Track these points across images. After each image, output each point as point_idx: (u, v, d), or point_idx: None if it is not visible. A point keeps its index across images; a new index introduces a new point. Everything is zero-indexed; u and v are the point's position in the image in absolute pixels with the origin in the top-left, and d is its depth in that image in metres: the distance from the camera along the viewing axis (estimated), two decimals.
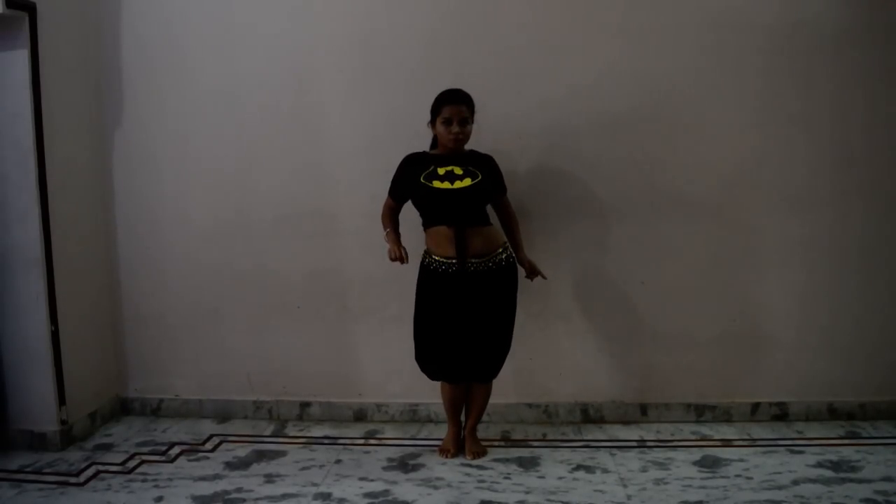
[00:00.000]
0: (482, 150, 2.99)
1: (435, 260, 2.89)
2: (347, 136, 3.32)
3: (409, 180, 2.91)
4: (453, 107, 2.83)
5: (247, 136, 3.37)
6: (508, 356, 3.04)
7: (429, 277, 2.93)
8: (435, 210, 2.88)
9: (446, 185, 2.84)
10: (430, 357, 2.98)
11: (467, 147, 2.97)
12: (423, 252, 2.96)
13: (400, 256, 2.86)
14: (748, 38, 3.16)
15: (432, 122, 2.90)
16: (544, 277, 3.06)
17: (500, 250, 2.91)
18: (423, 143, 3.03)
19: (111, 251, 3.52)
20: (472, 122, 2.90)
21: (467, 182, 2.85)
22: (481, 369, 2.98)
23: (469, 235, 2.84)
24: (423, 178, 2.87)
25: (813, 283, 3.28)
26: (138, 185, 3.46)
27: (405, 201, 2.99)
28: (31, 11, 2.96)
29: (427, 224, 2.93)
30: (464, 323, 2.88)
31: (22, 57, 2.97)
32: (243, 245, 3.43)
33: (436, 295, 2.91)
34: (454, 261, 2.85)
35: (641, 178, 3.25)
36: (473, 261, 2.84)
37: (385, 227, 2.98)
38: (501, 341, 2.97)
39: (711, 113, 3.21)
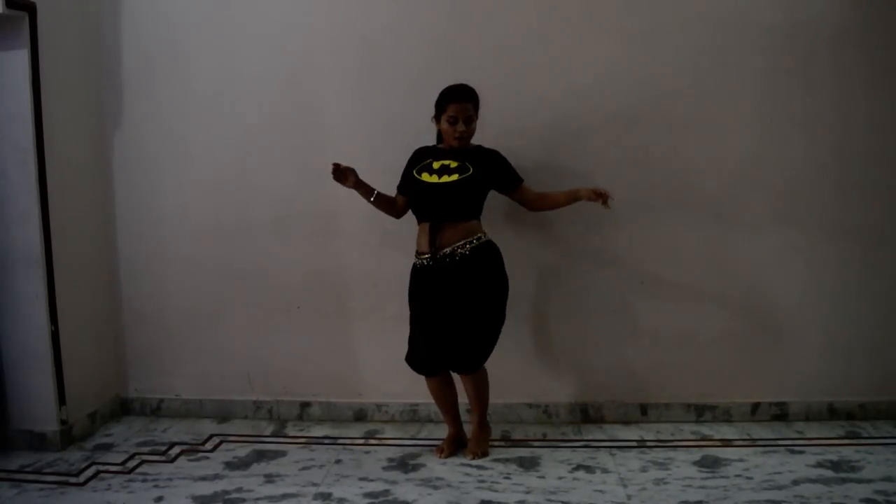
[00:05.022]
0: (486, 147, 2.99)
1: (417, 257, 2.93)
2: (347, 136, 3.32)
3: (408, 172, 2.95)
4: (459, 105, 2.83)
5: (247, 136, 3.37)
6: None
7: (412, 274, 2.97)
8: (419, 203, 2.91)
9: (433, 178, 2.85)
10: (410, 349, 3.01)
11: (475, 142, 2.97)
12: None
13: (342, 169, 2.88)
14: (748, 38, 3.16)
15: (437, 118, 2.90)
16: (605, 198, 2.86)
17: (472, 238, 2.87)
18: (423, 142, 3.04)
19: (111, 251, 3.52)
20: (477, 118, 2.90)
21: (454, 177, 2.85)
22: (458, 359, 2.95)
23: (443, 229, 2.84)
24: (416, 171, 2.90)
25: (813, 282, 3.28)
26: (138, 185, 3.46)
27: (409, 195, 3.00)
28: (31, 11, 2.96)
29: (417, 219, 2.95)
30: (437, 316, 2.89)
31: (22, 57, 2.97)
32: (243, 245, 3.43)
33: (414, 291, 2.96)
34: (426, 256, 2.86)
35: (641, 178, 3.25)
36: (444, 251, 2.84)
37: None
38: (479, 331, 2.91)
39: (711, 113, 3.21)
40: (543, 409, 3.41)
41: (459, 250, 2.85)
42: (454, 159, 2.89)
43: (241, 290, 3.46)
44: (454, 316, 2.88)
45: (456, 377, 3.06)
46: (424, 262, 2.88)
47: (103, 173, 3.46)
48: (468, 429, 3.12)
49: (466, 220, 2.89)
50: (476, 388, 3.02)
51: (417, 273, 2.93)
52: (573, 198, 2.94)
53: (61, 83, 3.17)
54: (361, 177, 2.96)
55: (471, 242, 2.86)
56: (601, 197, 2.86)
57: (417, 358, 2.99)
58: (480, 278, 2.89)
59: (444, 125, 2.87)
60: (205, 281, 3.48)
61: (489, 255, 2.92)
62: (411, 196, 2.94)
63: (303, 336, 3.45)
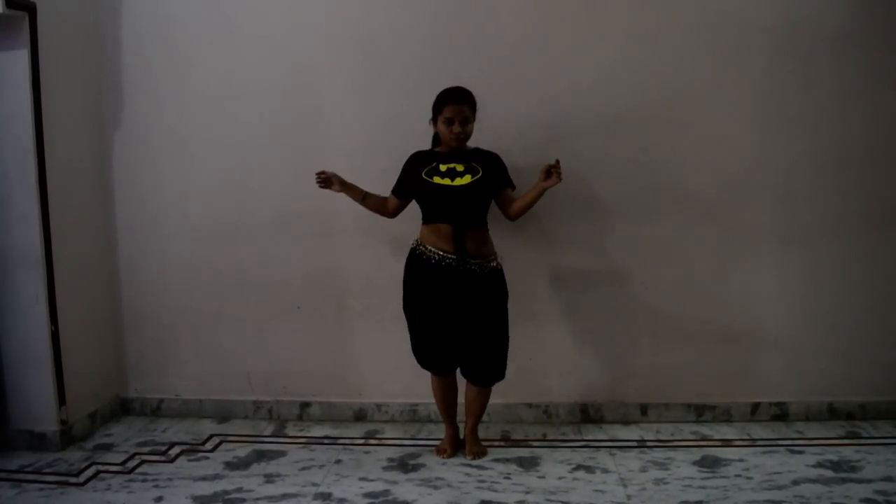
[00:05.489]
0: (484, 149, 2.99)
1: (428, 249, 2.89)
2: (347, 136, 3.32)
3: (413, 176, 2.93)
4: (455, 106, 2.84)
5: (247, 136, 3.37)
6: (508, 355, 3.04)
7: (418, 265, 2.93)
8: (434, 206, 2.89)
9: (446, 181, 2.85)
10: (420, 345, 3.00)
11: (472, 145, 2.98)
12: (413, 241, 2.96)
13: (325, 177, 2.97)
14: (748, 38, 3.16)
15: (434, 121, 2.91)
16: (556, 169, 2.82)
17: (491, 258, 2.92)
18: (422, 143, 3.03)
19: (111, 251, 3.52)
20: (474, 120, 2.91)
21: (467, 179, 2.86)
22: (478, 373, 2.98)
23: (468, 237, 2.85)
24: (425, 174, 2.89)
25: (813, 283, 3.28)
26: (138, 185, 3.46)
27: (408, 199, 3.00)
28: (31, 11, 2.96)
29: (427, 220, 2.93)
30: (451, 318, 2.89)
31: (22, 57, 2.97)
32: (243, 245, 3.43)
33: (424, 284, 2.91)
34: (451, 256, 2.85)
35: (642, 178, 3.25)
36: (472, 260, 2.86)
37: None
38: (495, 346, 2.96)
39: (711, 113, 3.21)
40: (543, 409, 3.41)
41: (488, 265, 2.88)
42: (458, 162, 2.89)
43: (241, 291, 3.46)
44: (473, 327, 2.90)
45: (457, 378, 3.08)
46: (450, 262, 2.85)
47: (103, 173, 3.46)
48: (462, 428, 3.13)
49: (483, 227, 2.92)
50: (484, 398, 3.05)
51: (433, 268, 2.88)
52: (538, 191, 2.87)
53: (61, 83, 3.17)
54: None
55: (490, 261, 2.91)
56: (551, 172, 2.81)
57: (432, 358, 2.99)
58: (499, 297, 2.94)
59: (441, 127, 2.87)
60: (205, 281, 3.48)
61: (501, 277, 2.97)
62: (425, 200, 2.91)
63: (303, 336, 3.45)
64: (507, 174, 2.99)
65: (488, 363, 2.97)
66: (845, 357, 3.32)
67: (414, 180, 2.92)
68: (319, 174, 2.97)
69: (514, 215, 2.99)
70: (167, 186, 3.45)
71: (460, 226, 2.85)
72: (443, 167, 2.88)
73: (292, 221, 3.39)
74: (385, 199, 3.05)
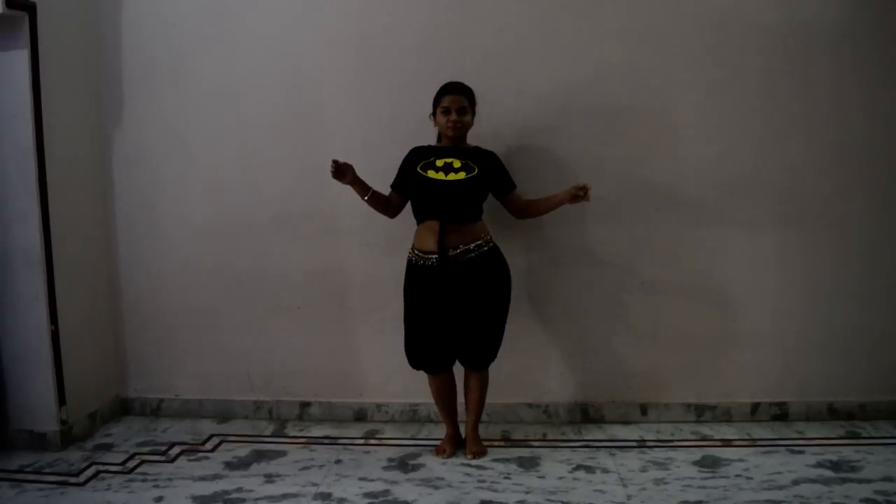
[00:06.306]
0: (484, 148, 3.00)
1: (416, 254, 2.92)
2: (347, 136, 3.32)
3: (409, 170, 2.96)
4: (452, 96, 2.88)
5: (247, 136, 3.37)
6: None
7: (410, 271, 2.96)
8: (425, 201, 2.91)
9: (440, 175, 2.87)
10: (412, 346, 3.01)
11: (472, 143, 2.99)
12: (409, 248, 2.98)
13: (339, 166, 2.83)
14: (748, 38, 3.16)
15: (433, 114, 2.93)
16: (584, 191, 2.89)
17: (480, 241, 2.90)
18: (422, 140, 3.04)
19: (111, 251, 3.52)
20: (473, 115, 2.94)
21: (461, 175, 2.87)
22: (472, 356, 2.98)
23: (451, 230, 2.86)
24: (420, 168, 2.91)
25: (813, 282, 3.28)
26: (138, 184, 3.46)
27: (407, 194, 3.00)
28: (31, 11, 2.96)
29: (418, 217, 2.95)
30: (444, 315, 2.90)
31: (22, 57, 2.97)
32: (243, 245, 3.43)
33: (416, 288, 2.94)
34: (434, 256, 2.86)
35: (641, 178, 3.25)
36: (454, 252, 2.86)
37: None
38: (489, 329, 2.96)
39: (711, 113, 3.21)
40: (543, 409, 3.41)
41: (469, 253, 2.87)
42: (456, 158, 2.91)
43: (241, 290, 3.46)
44: (468, 315, 2.90)
45: (455, 377, 3.08)
46: (432, 262, 2.87)
47: (103, 173, 3.46)
48: (463, 428, 3.13)
49: (473, 221, 2.92)
50: (481, 386, 3.05)
51: (421, 271, 2.91)
52: (556, 203, 2.98)
53: (61, 83, 3.17)
54: (362, 174, 2.97)
55: (479, 246, 2.89)
56: (580, 193, 2.89)
57: (425, 357, 3.00)
58: (490, 279, 2.93)
59: (440, 117, 2.91)
60: (205, 281, 3.48)
61: (496, 258, 2.96)
62: (416, 194, 2.94)
63: (303, 336, 3.45)
64: (507, 175, 3.01)
65: (481, 343, 2.96)
66: (845, 357, 3.32)
67: (409, 174, 2.94)
68: (335, 162, 2.86)
69: (523, 217, 3.08)
70: (167, 186, 3.45)
71: (448, 222, 2.86)
72: (439, 162, 2.90)
73: (292, 221, 3.39)
74: (389, 196, 3.04)
